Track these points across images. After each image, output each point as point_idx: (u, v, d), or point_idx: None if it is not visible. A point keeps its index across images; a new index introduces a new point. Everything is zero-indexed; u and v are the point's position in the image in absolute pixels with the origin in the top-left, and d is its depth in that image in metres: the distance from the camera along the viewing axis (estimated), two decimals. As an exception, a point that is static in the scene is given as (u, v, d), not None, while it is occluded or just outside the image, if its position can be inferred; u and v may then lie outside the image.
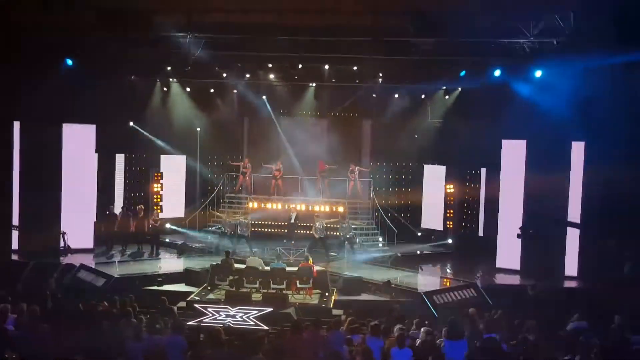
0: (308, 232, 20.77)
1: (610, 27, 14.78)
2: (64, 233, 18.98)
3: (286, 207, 21.47)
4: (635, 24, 14.33)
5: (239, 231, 19.75)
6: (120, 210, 20.88)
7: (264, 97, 23.42)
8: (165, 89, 23.28)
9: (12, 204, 18.58)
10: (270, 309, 13.38)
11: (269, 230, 22.11)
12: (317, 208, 21.33)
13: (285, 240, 20.32)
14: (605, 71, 15.95)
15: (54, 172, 19.20)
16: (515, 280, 17.99)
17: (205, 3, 17.88)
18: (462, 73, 19.86)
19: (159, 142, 22.92)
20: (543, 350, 10.03)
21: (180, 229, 21.64)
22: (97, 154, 20.38)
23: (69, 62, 18.62)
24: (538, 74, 17.60)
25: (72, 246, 19.14)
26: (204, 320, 12.60)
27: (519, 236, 17.71)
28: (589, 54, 15.44)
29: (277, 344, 9.51)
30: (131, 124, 22.40)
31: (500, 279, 18.29)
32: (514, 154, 18.97)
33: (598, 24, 15.04)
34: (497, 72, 18.48)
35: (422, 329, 10.93)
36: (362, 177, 22.73)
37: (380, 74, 21.53)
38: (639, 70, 15.58)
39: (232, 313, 13.01)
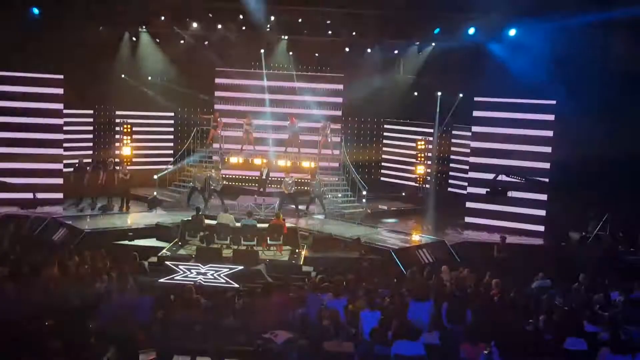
0: (278, 186, 20.79)
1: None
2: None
3: (257, 162, 21.35)
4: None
5: (211, 186, 19.65)
6: (89, 163, 20.59)
7: (234, 49, 23.01)
8: (134, 39, 22.76)
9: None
10: (241, 267, 13.44)
11: (240, 184, 22.08)
12: (288, 164, 21.25)
13: (255, 196, 20.26)
14: (581, 30, 15.98)
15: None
16: (483, 237, 18.33)
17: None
18: (437, 30, 19.77)
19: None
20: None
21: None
22: (63, 105, 19.93)
23: (35, 10, 18.02)
24: (512, 32, 17.60)
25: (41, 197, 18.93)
26: (175, 278, 12.64)
27: (488, 193, 17.93)
28: (563, 12, 15.43)
29: (248, 305, 9.61)
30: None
31: (469, 236, 18.60)
32: (485, 112, 19.08)
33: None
34: (472, 31, 18.44)
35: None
36: (333, 134, 22.63)
37: (354, 29, 21.26)
38: (612, 29, 15.66)
39: (203, 271, 13.07)
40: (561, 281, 12.93)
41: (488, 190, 17.83)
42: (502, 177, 17.28)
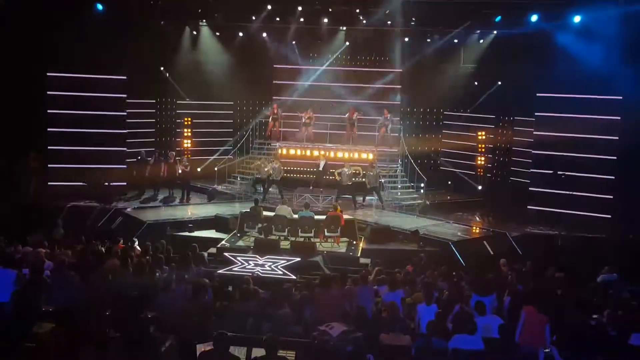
0: (336, 178, 20.74)
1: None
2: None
3: (315, 153, 21.35)
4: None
5: (272, 177, 19.76)
6: (152, 155, 21.07)
7: (293, 42, 23.05)
8: (194, 32, 23.10)
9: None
10: (298, 259, 13.45)
11: (299, 176, 22.14)
12: (346, 155, 21.17)
13: (312, 188, 20.25)
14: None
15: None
16: (546, 229, 17.80)
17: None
18: (498, 18, 19.27)
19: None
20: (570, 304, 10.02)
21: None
22: (126, 101, 20.44)
23: (99, 6, 18.54)
24: (577, 19, 17.00)
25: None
26: (233, 269, 12.75)
27: (553, 179, 17.36)
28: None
29: (305, 297, 9.60)
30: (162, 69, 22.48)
31: (532, 228, 18.05)
32: (548, 104, 18.54)
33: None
34: (534, 18, 17.90)
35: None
36: (392, 124, 22.40)
37: (413, 18, 20.96)
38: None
39: (260, 262, 13.13)
40: (629, 275, 12.43)
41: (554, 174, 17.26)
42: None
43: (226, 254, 13.99)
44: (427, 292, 9.60)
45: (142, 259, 11.62)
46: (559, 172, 17.52)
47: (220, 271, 12.54)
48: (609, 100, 17.53)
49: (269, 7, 20.58)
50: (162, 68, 22.39)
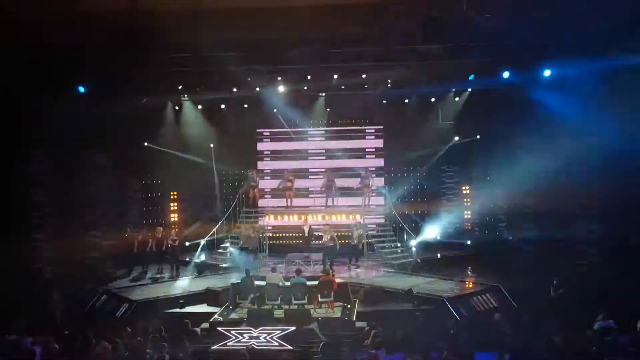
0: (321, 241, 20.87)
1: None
2: None
3: (301, 219, 21.40)
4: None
5: (259, 244, 19.75)
6: (139, 231, 20.99)
7: (274, 110, 23.45)
8: (177, 107, 23.40)
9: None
10: (294, 328, 13.30)
11: (286, 242, 22.13)
12: (333, 219, 21.22)
13: (305, 254, 20.22)
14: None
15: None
16: (538, 280, 17.75)
17: (213, 20, 17.96)
18: (471, 77, 19.80)
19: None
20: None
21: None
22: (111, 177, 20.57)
23: (81, 89, 18.82)
24: (547, 73, 17.53)
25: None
26: (228, 344, 12.56)
27: None
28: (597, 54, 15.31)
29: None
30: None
31: (523, 280, 17.99)
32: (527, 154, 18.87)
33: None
34: (506, 74, 18.41)
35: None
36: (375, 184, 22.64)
37: (390, 80, 21.47)
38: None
39: (255, 334, 12.95)
40: (624, 320, 12.39)
41: None
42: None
43: (219, 328, 13.77)
44: (426, 353, 9.52)
45: (133, 341, 11.45)
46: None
47: (214, 347, 12.34)
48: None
49: (249, 79, 21.00)
50: (145, 143, 22.51)
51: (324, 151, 23.77)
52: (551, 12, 15.66)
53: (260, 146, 24.46)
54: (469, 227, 22.60)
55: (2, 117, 17.63)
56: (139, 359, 9.94)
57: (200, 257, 21.09)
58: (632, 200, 16.70)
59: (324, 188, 22.01)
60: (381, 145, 23.96)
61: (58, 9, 16.63)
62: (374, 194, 22.21)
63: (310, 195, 22.87)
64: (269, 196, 23.43)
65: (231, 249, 21.38)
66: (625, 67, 15.50)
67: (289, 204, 22.15)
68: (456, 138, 22.93)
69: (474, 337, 11.24)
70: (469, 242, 21.96)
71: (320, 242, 20.19)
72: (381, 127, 23.98)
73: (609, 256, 17.62)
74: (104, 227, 20.62)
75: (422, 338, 11.74)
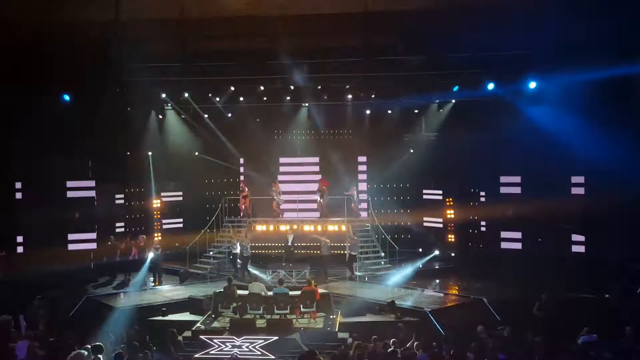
0: (308, 251, 20.83)
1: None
2: None
3: (283, 228, 21.36)
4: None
5: (244, 253, 19.69)
6: (121, 239, 20.86)
7: (257, 119, 23.45)
8: (160, 116, 23.33)
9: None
10: (276, 338, 13.25)
11: (269, 251, 22.08)
12: (319, 228, 21.19)
13: (284, 264, 20.17)
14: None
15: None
16: (521, 293, 17.79)
17: (197, 30, 17.99)
18: (455, 88, 19.91)
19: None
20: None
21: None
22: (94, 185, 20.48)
23: (66, 97, 18.74)
24: (532, 85, 17.69)
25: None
26: (210, 352, 12.50)
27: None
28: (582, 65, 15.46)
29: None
30: (150, 153, 22.92)
31: (507, 293, 18.05)
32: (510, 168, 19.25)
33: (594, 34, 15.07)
34: (491, 86, 18.55)
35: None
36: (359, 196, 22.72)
37: (373, 92, 21.56)
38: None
39: (238, 343, 12.92)
40: (607, 335, 12.48)
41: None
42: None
43: (202, 336, 13.73)
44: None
45: (116, 347, 11.32)
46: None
47: (197, 355, 12.29)
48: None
49: (232, 88, 20.97)
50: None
51: (308, 160, 23.71)
52: (536, 23, 15.78)
53: (244, 155, 24.42)
54: (452, 239, 22.65)
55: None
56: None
57: (184, 265, 20.93)
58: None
59: (318, 198, 22.11)
60: (364, 156, 24.02)
61: (43, 19, 16.63)
62: (357, 208, 22.28)
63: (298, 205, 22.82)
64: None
65: (212, 259, 21.31)
66: (613, 78, 15.66)
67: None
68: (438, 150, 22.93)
69: (456, 350, 11.24)
70: (452, 254, 22.00)
71: (306, 251, 20.10)
72: (363, 138, 24.05)
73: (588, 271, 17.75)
74: (87, 233, 20.40)
75: (404, 350, 11.73)
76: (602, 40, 15.10)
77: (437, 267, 21.55)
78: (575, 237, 18.40)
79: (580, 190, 18.33)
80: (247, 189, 22.64)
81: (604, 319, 13.78)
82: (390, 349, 11.75)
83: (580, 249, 18.23)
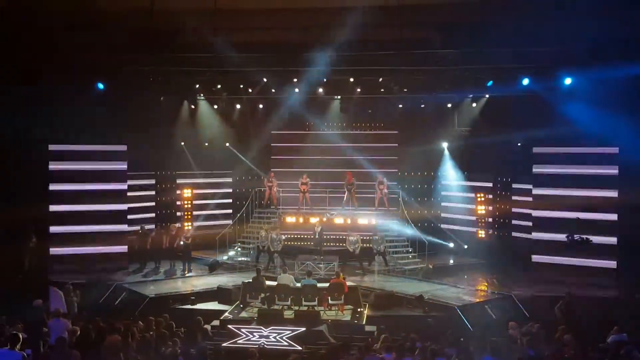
0: (337, 244, 20.81)
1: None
2: None
3: (313, 220, 21.36)
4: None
5: (272, 247, 19.77)
6: (153, 227, 21.11)
7: (290, 111, 23.48)
8: (193, 106, 23.52)
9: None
10: (303, 329, 13.27)
11: (298, 243, 22.12)
12: (348, 222, 21.16)
13: (315, 257, 20.17)
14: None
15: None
16: (551, 291, 17.54)
17: (230, 22, 18.03)
18: (489, 83, 19.65)
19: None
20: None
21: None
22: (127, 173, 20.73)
23: (100, 85, 18.98)
24: (568, 81, 17.39)
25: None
26: (238, 342, 12.56)
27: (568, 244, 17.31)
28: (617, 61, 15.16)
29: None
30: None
31: (537, 289, 17.78)
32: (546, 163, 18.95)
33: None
34: (526, 81, 18.26)
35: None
36: (389, 189, 22.58)
37: (406, 85, 21.40)
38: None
39: (265, 333, 12.94)
40: (635, 335, 12.24)
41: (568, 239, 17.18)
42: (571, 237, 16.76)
43: (230, 326, 13.78)
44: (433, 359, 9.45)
45: (145, 334, 11.46)
46: (574, 237, 17.41)
47: (225, 344, 12.36)
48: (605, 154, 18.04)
49: (265, 79, 21.03)
50: (160, 141, 22.66)
51: (338, 153, 23.67)
52: (573, 17, 15.49)
53: (275, 150, 24.56)
54: (482, 235, 22.44)
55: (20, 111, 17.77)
56: (150, 353, 9.93)
57: (213, 255, 21.09)
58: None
59: (345, 191, 22.14)
60: (395, 150, 23.90)
61: (78, 6, 16.84)
62: (386, 199, 22.17)
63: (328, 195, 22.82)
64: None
65: (242, 249, 21.45)
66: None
67: (300, 207, 22.32)
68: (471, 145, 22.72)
69: (484, 346, 11.12)
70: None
71: (336, 244, 20.05)
72: (396, 131, 23.94)
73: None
74: (117, 222, 20.64)
75: (431, 345, 11.65)
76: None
77: (467, 262, 21.36)
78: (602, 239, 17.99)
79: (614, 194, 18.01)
80: (273, 180, 22.73)
81: (636, 319, 13.52)
82: (418, 344, 11.73)
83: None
